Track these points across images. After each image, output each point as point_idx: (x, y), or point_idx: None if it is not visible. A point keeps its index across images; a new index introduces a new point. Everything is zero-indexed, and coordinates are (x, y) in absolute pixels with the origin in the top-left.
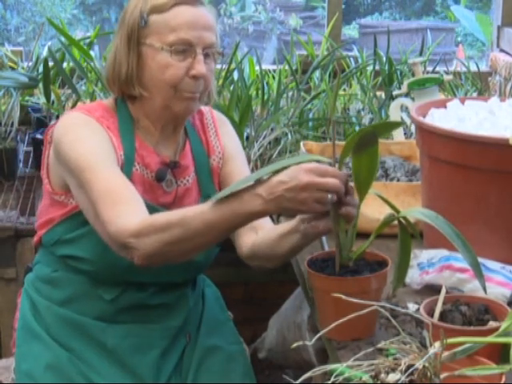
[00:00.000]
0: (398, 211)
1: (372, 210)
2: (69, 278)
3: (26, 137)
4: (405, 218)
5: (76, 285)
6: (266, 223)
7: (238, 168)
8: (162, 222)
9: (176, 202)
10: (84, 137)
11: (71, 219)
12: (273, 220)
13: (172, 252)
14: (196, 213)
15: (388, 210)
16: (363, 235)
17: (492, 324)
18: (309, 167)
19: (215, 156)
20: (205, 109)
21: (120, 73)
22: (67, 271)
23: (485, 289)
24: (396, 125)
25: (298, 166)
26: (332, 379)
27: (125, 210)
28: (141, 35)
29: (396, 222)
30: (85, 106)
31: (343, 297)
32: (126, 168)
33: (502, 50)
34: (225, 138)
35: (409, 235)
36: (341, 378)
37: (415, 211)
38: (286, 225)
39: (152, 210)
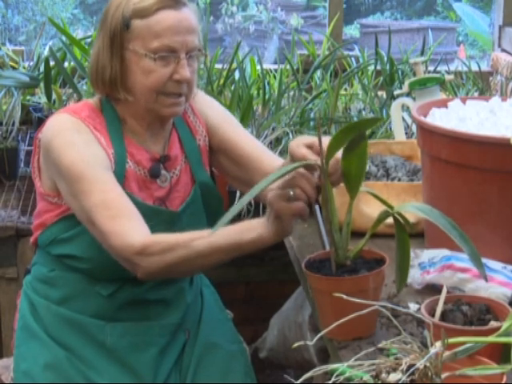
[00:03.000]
0: (392, 208)
1: (373, 209)
2: (65, 277)
3: (27, 136)
4: (401, 215)
5: (73, 283)
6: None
7: (231, 131)
8: (167, 243)
9: (169, 194)
10: (73, 142)
11: (65, 220)
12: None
13: (174, 271)
14: (201, 235)
15: None
16: (363, 234)
17: (493, 324)
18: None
19: (199, 136)
20: None
21: (104, 76)
22: (64, 270)
23: (485, 278)
24: (375, 120)
25: None
26: (333, 379)
27: (127, 225)
28: (124, 39)
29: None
30: (71, 106)
31: (344, 296)
32: (119, 166)
33: (503, 50)
34: (203, 112)
35: (406, 233)
36: (342, 378)
37: (410, 206)
38: None
39: (146, 209)
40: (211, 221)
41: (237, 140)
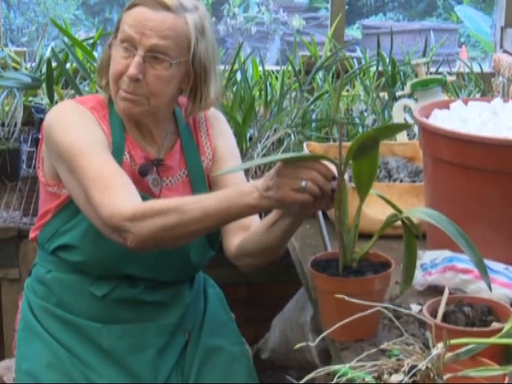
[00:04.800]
0: (400, 211)
1: (375, 211)
2: (61, 278)
3: (29, 137)
4: (408, 218)
5: (68, 284)
6: (255, 221)
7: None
8: (158, 207)
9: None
10: (75, 122)
11: (64, 210)
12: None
13: (166, 237)
14: (193, 200)
15: (391, 211)
16: (367, 236)
17: (495, 325)
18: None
19: (205, 157)
20: None
21: (99, 67)
22: (59, 271)
23: (490, 287)
24: (401, 127)
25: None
26: (335, 380)
27: (118, 194)
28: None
29: (399, 223)
30: (78, 97)
31: (346, 298)
32: (117, 156)
33: (505, 51)
34: (216, 138)
35: (413, 236)
36: (344, 379)
37: (418, 211)
38: (275, 213)
39: (143, 198)
40: (211, 238)
41: (234, 182)
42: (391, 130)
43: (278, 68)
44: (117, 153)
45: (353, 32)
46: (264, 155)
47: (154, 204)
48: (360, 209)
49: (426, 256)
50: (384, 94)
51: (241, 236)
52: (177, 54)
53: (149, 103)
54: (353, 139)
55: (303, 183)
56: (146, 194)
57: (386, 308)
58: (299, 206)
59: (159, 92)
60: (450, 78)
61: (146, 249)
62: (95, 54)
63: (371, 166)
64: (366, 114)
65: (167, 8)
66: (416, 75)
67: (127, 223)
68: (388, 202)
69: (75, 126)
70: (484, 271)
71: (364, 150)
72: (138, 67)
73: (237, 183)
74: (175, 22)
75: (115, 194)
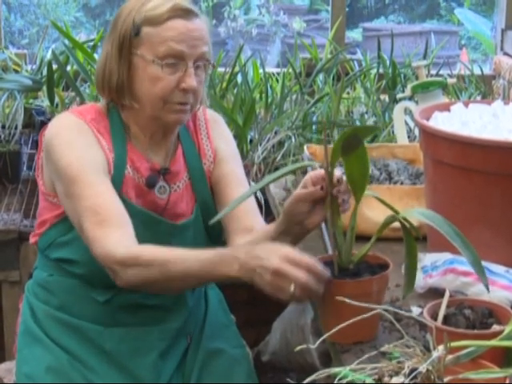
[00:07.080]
0: (397, 212)
1: (376, 213)
2: (63, 282)
3: (30, 140)
4: (407, 220)
5: (70, 289)
6: (259, 224)
7: (232, 170)
8: (146, 259)
9: (168, 208)
10: (72, 143)
11: (64, 221)
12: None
13: (150, 288)
14: (178, 259)
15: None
16: (366, 238)
17: (496, 327)
18: (285, 254)
19: (206, 160)
20: (198, 110)
21: (110, 81)
22: (61, 275)
23: (487, 287)
24: (374, 129)
25: (278, 247)
26: (335, 382)
27: (112, 233)
28: (132, 45)
29: (399, 226)
30: (78, 108)
31: (346, 300)
32: (118, 171)
33: (505, 54)
34: (217, 140)
35: (413, 239)
36: (344, 382)
37: (414, 212)
38: (276, 227)
39: (144, 215)
40: (212, 240)
41: (234, 182)
42: (367, 130)
43: (278, 70)
44: (118, 168)
45: (353, 34)
46: (264, 158)
47: (143, 253)
48: (356, 210)
49: (426, 258)
50: (384, 97)
51: (245, 237)
52: (211, 55)
53: (192, 109)
54: None
55: (292, 288)
56: (152, 209)
57: (386, 310)
58: (300, 227)
59: (200, 97)
60: (450, 81)
61: (135, 290)
62: (96, 56)
63: (361, 166)
64: (366, 116)
65: (196, 15)
66: (417, 77)
67: (116, 267)
68: (384, 202)
69: (73, 147)
70: (481, 271)
71: (348, 149)
72: (195, 78)
73: (237, 183)
74: (205, 26)
75: (109, 233)
